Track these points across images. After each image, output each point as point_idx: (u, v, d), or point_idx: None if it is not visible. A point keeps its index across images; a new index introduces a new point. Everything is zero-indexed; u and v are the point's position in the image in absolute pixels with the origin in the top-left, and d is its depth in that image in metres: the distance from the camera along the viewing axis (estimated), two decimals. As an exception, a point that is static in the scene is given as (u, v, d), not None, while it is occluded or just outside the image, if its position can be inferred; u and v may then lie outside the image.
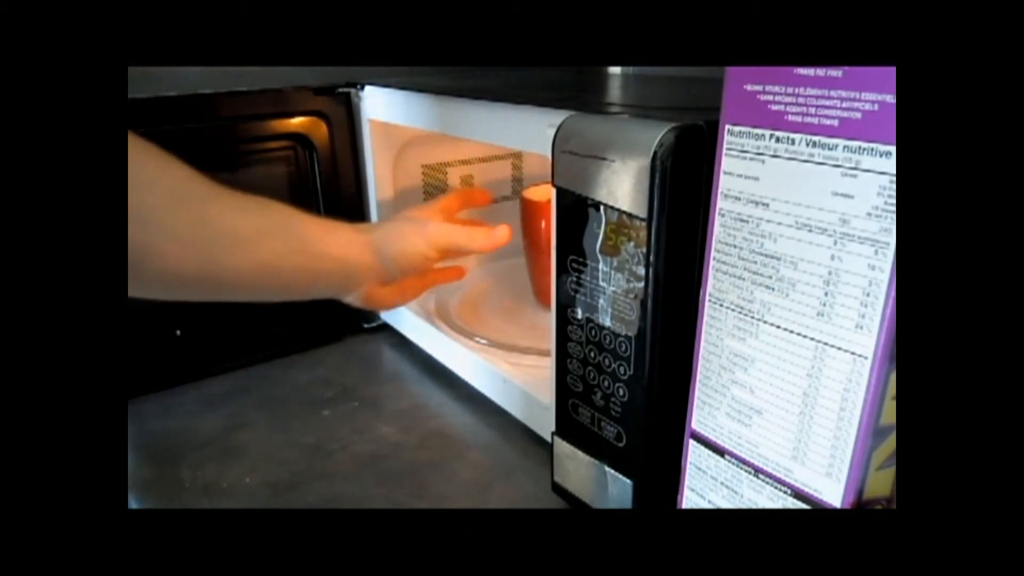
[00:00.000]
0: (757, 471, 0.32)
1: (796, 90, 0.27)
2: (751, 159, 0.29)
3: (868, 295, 0.26)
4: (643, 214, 0.34)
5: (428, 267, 0.50)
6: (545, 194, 0.57)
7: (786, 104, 0.27)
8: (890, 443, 0.28)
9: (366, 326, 0.72)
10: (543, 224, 0.59)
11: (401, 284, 0.51)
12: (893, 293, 0.25)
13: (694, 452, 0.35)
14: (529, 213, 0.60)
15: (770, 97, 0.28)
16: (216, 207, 0.40)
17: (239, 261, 0.41)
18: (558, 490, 0.46)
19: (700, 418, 0.34)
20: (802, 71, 0.27)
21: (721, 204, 0.31)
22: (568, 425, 0.44)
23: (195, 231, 0.39)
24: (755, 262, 0.30)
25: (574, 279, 0.40)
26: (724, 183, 0.30)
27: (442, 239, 0.48)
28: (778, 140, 0.28)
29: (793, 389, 0.29)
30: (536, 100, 0.45)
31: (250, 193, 0.42)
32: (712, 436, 0.34)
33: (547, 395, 0.47)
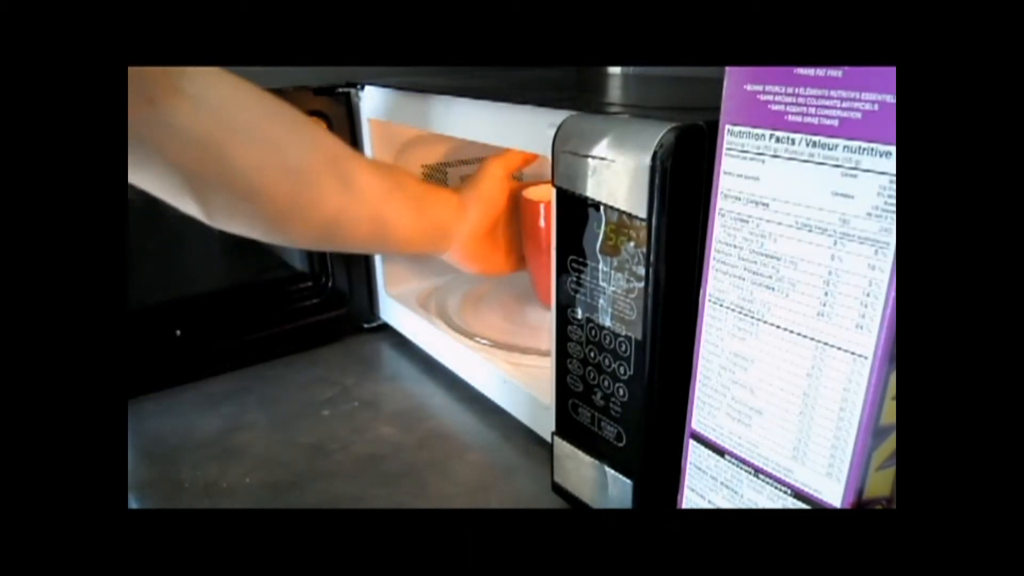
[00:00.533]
0: (757, 471, 0.32)
1: (796, 90, 0.27)
2: (751, 159, 0.29)
3: (868, 295, 0.26)
4: (643, 214, 0.35)
5: (505, 192, 0.58)
6: (545, 194, 0.57)
7: (786, 104, 0.27)
8: (890, 443, 0.28)
9: (366, 326, 0.72)
10: (543, 224, 0.59)
11: (504, 240, 0.60)
12: (893, 293, 0.25)
13: (694, 452, 0.35)
14: (529, 213, 0.60)
15: (770, 97, 0.28)
16: (362, 162, 0.49)
17: (379, 211, 0.49)
18: (558, 490, 0.46)
19: (700, 418, 0.34)
20: (802, 71, 0.27)
21: (721, 204, 0.31)
22: (568, 425, 0.44)
23: (355, 187, 0.47)
24: (755, 262, 0.30)
25: (574, 279, 0.40)
26: (724, 183, 0.30)
27: (499, 157, 0.58)
28: (778, 140, 0.28)
29: (793, 389, 0.29)
30: (536, 100, 0.45)
31: None
32: (712, 436, 0.34)
33: (547, 395, 0.47)
